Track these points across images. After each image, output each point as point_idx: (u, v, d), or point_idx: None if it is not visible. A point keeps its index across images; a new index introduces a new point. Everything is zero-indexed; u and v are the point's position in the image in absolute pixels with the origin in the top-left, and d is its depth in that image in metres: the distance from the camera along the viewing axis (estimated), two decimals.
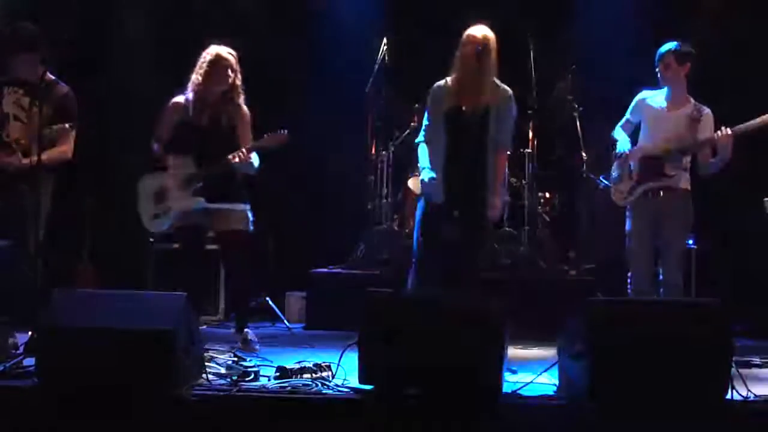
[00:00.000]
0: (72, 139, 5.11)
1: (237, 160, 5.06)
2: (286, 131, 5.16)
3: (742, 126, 5.09)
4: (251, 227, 5.29)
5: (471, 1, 6.09)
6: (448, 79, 5.01)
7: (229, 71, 5.17)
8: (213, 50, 5.21)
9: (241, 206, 5.25)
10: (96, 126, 7.03)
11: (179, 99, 5.25)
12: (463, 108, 4.90)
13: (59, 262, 6.24)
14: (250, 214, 5.28)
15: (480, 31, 4.90)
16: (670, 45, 5.26)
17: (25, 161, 4.97)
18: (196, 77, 5.20)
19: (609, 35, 7.56)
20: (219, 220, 5.25)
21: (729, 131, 5.08)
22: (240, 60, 5.29)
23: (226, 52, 5.21)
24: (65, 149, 5.09)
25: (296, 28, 7.82)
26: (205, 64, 5.18)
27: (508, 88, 5.01)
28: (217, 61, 5.16)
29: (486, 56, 4.84)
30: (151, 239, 5.88)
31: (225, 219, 5.23)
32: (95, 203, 7.19)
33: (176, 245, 5.80)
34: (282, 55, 7.78)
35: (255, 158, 5.22)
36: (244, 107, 5.27)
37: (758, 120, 5.08)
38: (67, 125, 5.05)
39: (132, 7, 7.73)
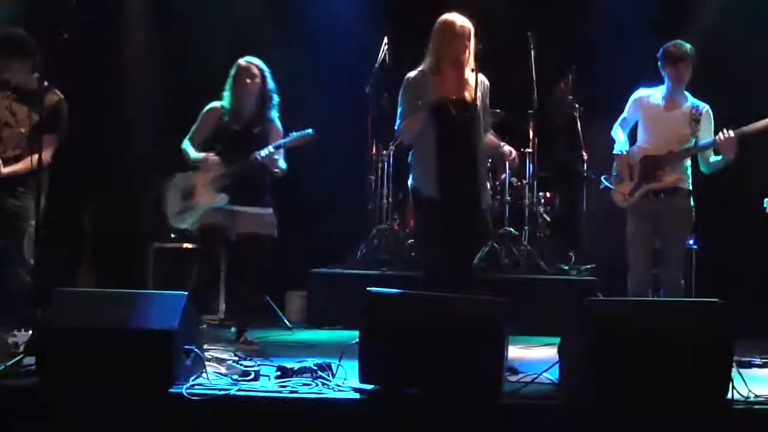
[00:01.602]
0: (54, 146, 5.09)
1: (263, 155, 5.16)
2: (311, 130, 5.28)
3: (745, 128, 5.08)
4: (274, 232, 5.39)
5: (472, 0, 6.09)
6: (425, 68, 4.85)
7: (250, 80, 5.32)
8: (240, 60, 5.39)
9: (264, 210, 5.36)
10: (96, 126, 7.05)
11: (216, 104, 5.41)
12: (453, 102, 4.79)
13: (59, 262, 6.23)
14: (273, 219, 5.39)
15: (467, 23, 4.79)
16: (675, 43, 5.24)
17: (6, 170, 4.96)
18: (227, 87, 5.38)
19: (609, 35, 7.56)
20: (242, 222, 5.32)
21: (732, 134, 5.07)
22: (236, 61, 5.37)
23: (249, 59, 5.38)
24: (44, 157, 4.98)
25: (296, 28, 7.81)
26: (231, 76, 5.37)
27: (482, 75, 4.89)
28: (240, 71, 5.34)
29: (473, 50, 4.79)
30: (172, 235, 5.96)
31: (248, 222, 5.31)
32: (95, 203, 7.19)
33: (188, 245, 5.85)
34: (282, 55, 7.77)
35: (282, 159, 5.34)
36: (277, 123, 5.43)
37: (763, 122, 5.07)
38: (51, 135, 5.04)
39: (133, 7, 7.73)
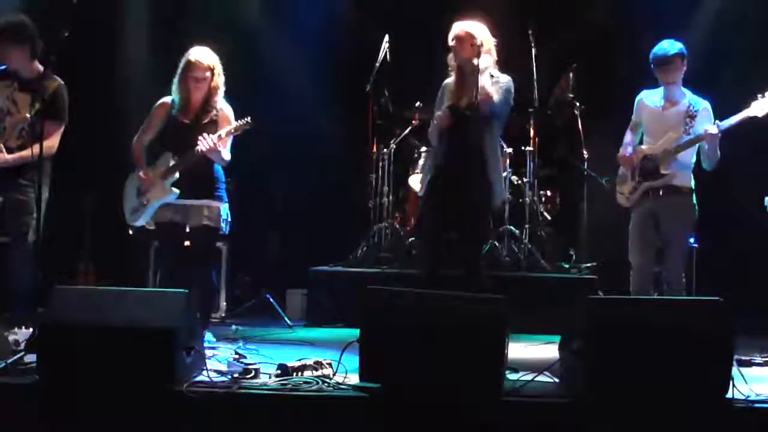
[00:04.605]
0: (59, 134, 5.09)
1: (203, 147, 5.03)
2: (249, 118, 5.13)
3: (726, 121, 5.11)
4: (224, 226, 5.27)
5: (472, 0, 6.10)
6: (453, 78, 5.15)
7: (205, 74, 5.16)
8: (189, 55, 5.21)
9: (214, 203, 5.24)
10: (97, 123, 7.06)
11: (167, 99, 5.29)
12: (455, 109, 5.02)
13: (59, 259, 6.24)
14: (224, 213, 5.26)
15: (466, 27, 5.04)
16: (663, 46, 5.24)
17: (8, 157, 4.96)
18: (175, 81, 5.23)
19: (610, 33, 7.57)
20: (192, 215, 5.22)
21: (715, 127, 5.09)
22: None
23: (199, 56, 5.19)
24: (51, 144, 5.03)
25: (297, 27, 7.82)
26: (180, 70, 5.22)
27: (503, 76, 5.12)
28: (189, 67, 5.18)
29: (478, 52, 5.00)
30: (130, 232, 5.94)
31: (197, 215, 5.21)
32: (95, 201, 7.19)
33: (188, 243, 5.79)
34: (282, 55, 7.79)
35: (226, 150, 5.18)
36: (225, 108, 5.27)
37: (740, 115, 5.08)
38: (56, 121, 5.05)
39: (134, 5, 7.74)
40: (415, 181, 6.84)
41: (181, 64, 5.20)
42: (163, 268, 5.41)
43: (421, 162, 7.04)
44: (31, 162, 4.81)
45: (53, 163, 5.11)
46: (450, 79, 5.20)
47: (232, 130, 5.12)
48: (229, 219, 5.31)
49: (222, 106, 5.26)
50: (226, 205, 5.30)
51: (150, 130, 5.30)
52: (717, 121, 5.13)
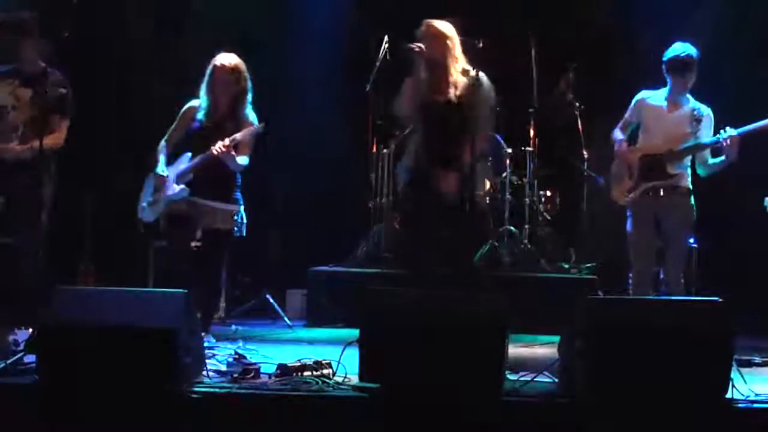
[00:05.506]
0: (65, 127, 5.12)
1: (217, 150, 5.08)
2: (262, 123, 5.23)
3: (748, 127, 5.08)
4: (238, 229, 5.31)
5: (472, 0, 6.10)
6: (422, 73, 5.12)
7: (229, 76, 5.24)
8: (215, 60, 5.30)
9: (229, 206, 5.27)
10: (97, 124, 7.06)
11: (194, 102, 5.37)
12: (431, 104, 5.01)
13: (59, 259, 6.23)
14: (239, 216, 5.31)
15: (443, 28, 5.09)
16: (684, 49, 5.21)
17: (20, 147, 4.98)
18: (203, 86, 5.31)
19: (610, 33, 7.57)
20: (204, 216, 5.26)
21: (735, 133, 5.07)
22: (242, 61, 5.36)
23: (225, 61, 5.27)
24: (58, 136, 5.10)
25: (297, 27, 7.82)
26: (207, 75, 5.30)
27: (484, 77, 5.05)
28: (214, 71, 5.26)
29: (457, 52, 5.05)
30: (141, 230, 5.94)
31: (210, 216, 5.24)
32: (96, 200, 7.19)
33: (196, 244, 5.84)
34: (282, 54, 7.79)
35: (242, 156, 5.22)
36: (250, 119, 5.32)
37: (758, 123, 5.07)
38: (60, 115, 5.08)
39: (135, 5, 7.74)
40: None
41: (208, 70, 5.29)
42: (165, 266, 5.43)
43: None
44: (35, 162, 4.84)
45: (59, 158, 5.14)
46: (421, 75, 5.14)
47: (246, 133, 5.16)
48: (245, 221, 5.34)
49: (248, 113, 5.32)
50: (242, 207, 5.34)
51: (176, 132, 5.39)
52: (727, 128, 5.11)
